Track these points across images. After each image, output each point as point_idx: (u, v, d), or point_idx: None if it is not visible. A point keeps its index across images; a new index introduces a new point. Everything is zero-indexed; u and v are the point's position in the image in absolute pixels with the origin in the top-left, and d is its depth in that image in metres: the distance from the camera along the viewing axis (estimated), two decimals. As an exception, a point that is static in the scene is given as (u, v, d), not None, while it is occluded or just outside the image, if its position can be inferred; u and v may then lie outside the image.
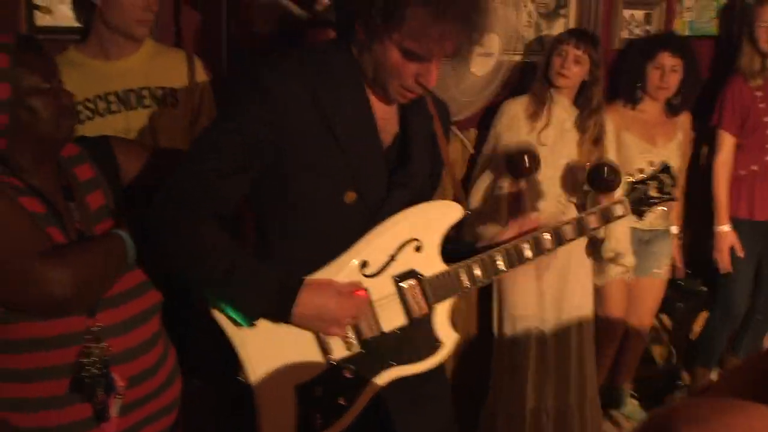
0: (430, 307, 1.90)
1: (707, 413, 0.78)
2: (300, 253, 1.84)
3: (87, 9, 2.56)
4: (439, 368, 2.01)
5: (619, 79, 3.64)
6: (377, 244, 1.85)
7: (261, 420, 1.85)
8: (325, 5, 2.86)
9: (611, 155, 3.28)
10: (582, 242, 3.26)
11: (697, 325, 4.36)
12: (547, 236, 2.00)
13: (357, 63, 1.80)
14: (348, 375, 1.86)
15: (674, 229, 3.74)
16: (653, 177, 2.18)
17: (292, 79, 1.75)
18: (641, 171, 2.19)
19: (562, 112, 3.29)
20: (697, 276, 4.06)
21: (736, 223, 3.73)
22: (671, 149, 3.54)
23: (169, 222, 1.74)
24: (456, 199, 1.99)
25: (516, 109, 3.31)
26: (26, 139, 1.83)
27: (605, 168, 2.65)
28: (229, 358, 1.84)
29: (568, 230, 2.03)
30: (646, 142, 3.50)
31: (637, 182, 2.18)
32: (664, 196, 2.18)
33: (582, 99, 3.29)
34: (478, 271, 1.93)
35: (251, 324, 1.80)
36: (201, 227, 1.74)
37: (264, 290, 1.77)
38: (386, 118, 1.87)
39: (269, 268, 1.79)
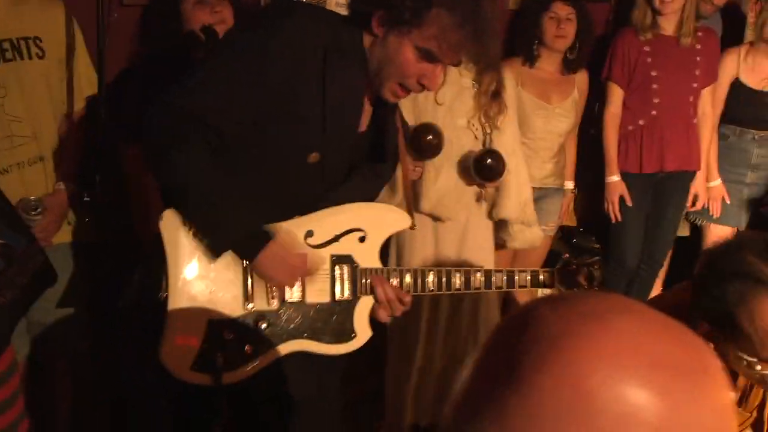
0: (354, 296, 2.00)
1: (568, 296, 0.78)
2: (255, 191, 1.91)
3: None
4: (335, 374, 2.15)
5: (517, 37, 3.67)
6: (327, 221, 1.98)
7: (164, 342, 1.88)
8: None
9: (510, 111, 3.18)
10: (481, 207, 3.23)
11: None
12: (479, 275, 2.17)
13: (364, 51, 1.87)
14: (261, 327, 1.94)
15: (569, 185, 3.80)
16: (585, 264, 2.34)
17: (310, 30, 1.84)
18: (575, 257, 2.38)
19: (459, 68, 3.15)
20: (589, 233, 4.15)
21: (626, 178, 3.81)
22: (566, 107, 3.59)
23: (164, 142, 1.81)
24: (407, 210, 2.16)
25: None
26: None
27: (488, 157, 2.81)
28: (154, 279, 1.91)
29: (498, 278, 2.20)
30: (542, 100, 3.54)
31: (569, 263, 2.34)
32: (591, 286, 2.34)
33: None
34: (408, 279, 2.07)
35: (216, 255, 1.89)
36: (191, 153, 1.80)
37: (240, 232, 1.88)
38: (367, 110, 1.98)
39: (247, 212, 1.89)
